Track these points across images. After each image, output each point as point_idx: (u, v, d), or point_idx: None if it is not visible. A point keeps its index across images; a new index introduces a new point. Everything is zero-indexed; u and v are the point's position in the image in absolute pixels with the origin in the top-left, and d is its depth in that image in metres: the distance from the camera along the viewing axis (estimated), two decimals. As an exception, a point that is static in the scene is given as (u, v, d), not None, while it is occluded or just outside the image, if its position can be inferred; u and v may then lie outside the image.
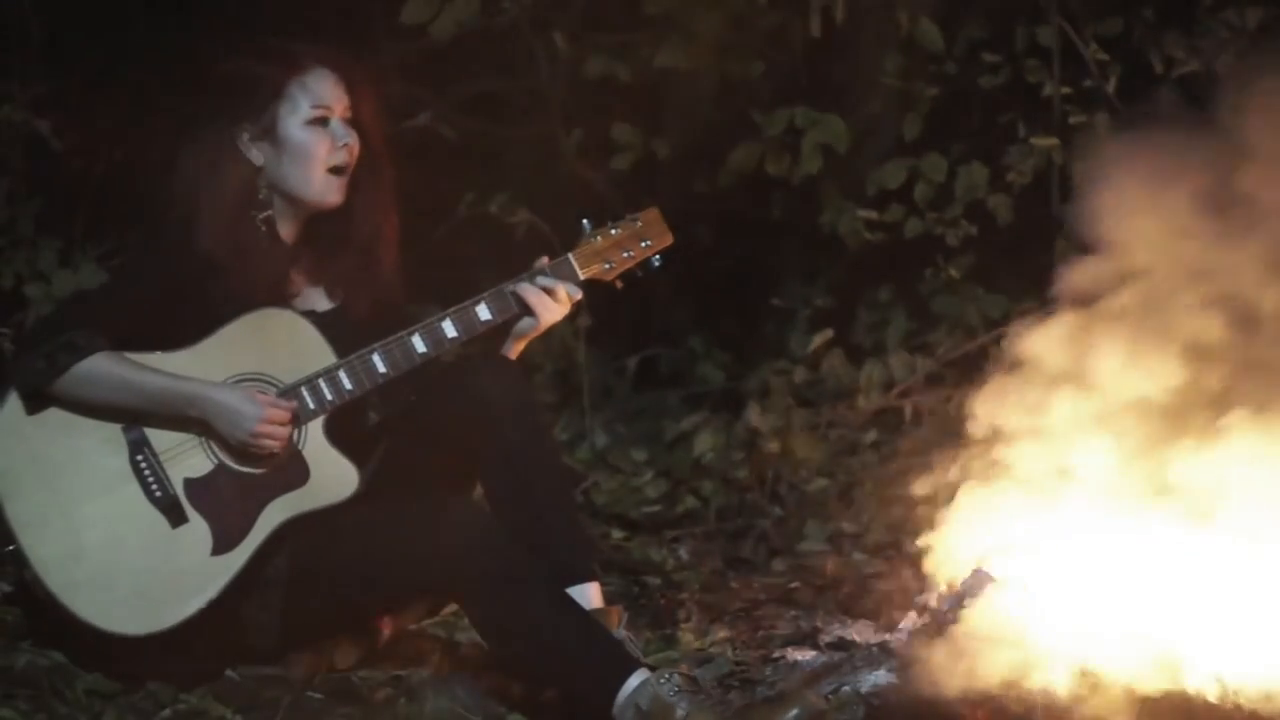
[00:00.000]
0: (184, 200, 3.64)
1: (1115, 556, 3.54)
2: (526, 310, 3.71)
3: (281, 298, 3.68)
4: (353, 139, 3.67)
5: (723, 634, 4.10)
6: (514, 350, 3.78)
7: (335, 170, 3.66)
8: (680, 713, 3.36)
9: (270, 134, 3.64)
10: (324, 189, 3.66)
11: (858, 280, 5.58)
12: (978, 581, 3.56)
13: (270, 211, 3.68)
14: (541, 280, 3.70)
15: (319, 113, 3.64)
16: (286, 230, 3.71)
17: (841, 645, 3.88)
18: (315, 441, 3.61)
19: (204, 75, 3.69)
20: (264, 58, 3.66)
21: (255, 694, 3.62)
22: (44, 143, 5.09)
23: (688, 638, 4.09)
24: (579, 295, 3.75)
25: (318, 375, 3.62)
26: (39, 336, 3.59)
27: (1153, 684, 3.34)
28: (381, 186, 3.75)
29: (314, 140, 3.64)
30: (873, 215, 5.41)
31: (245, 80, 3.65)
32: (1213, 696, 3.31)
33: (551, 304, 3.70)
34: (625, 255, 3.77)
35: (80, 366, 3.53)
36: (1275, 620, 3.39)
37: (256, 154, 3.66)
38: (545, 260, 3.74)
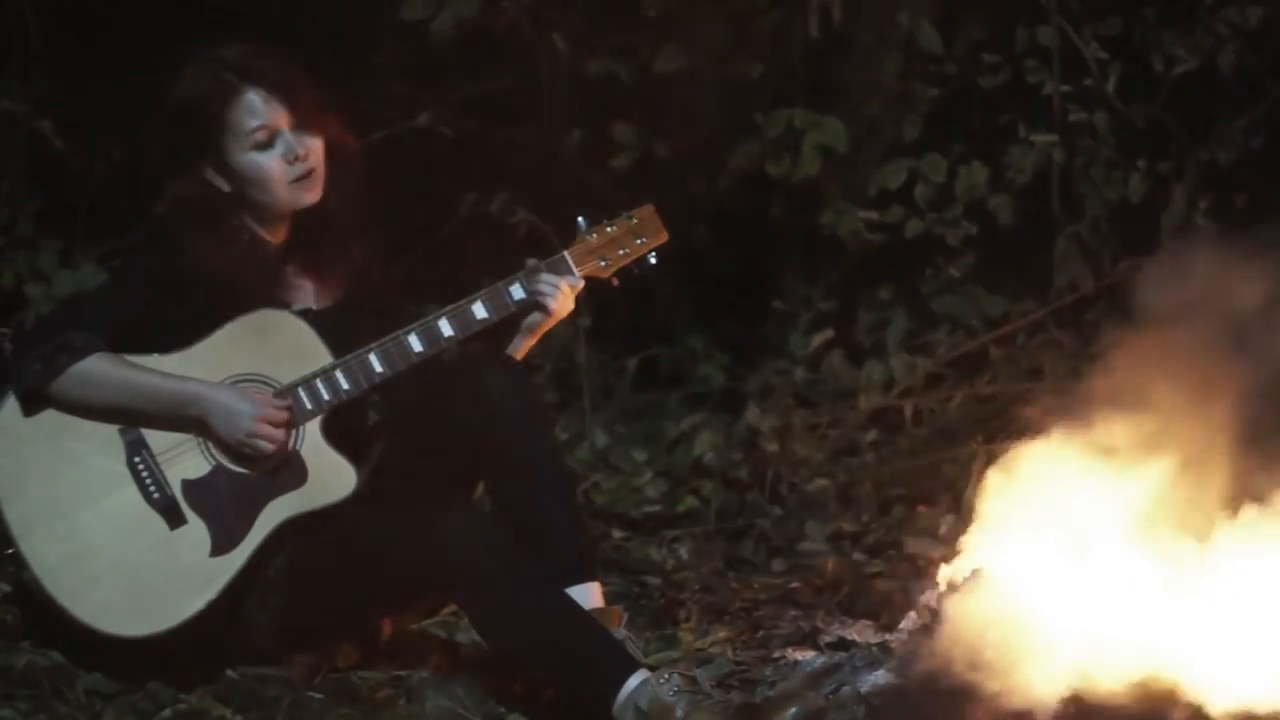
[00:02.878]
0: (169, 221, 3.64)
1: (1113, 563, 3.55)
2: (535, 303, 3.70)
3: (276, 299, 3.68)
4: (305, 145, 3.63)
5: (723, 634, 4.09)
6: (522, 348, 3.78)
7: (298, 179, 3.64)
8: (679, 713, 3.35)
9: (225, 165, 3.62)
10: (294, 197, 3.65)
11: (858, 280, 5.58)
12: (977, 581, 3.56)
13: (249, 235, 3.67)
14: (544, 278, 3.70)
15: (261, 135, 3.60)
16: (271, 235, 3.71)
17: (841, 645, 3.88)
18: (313, 442, 3.61)
19: (155, 105, 3.68)
20: (195, 90, 3.61)
21: (255, 694, 3.61)
22: (44, 143, 5.09)
23: (688, 638, 4.08)
24: (580, 284, 3.75)
25: (314, 375, 3.62)
26: (36, 338, 3.60)
27: (1146, 688, 3.34)
28: (350, 176, 3.72)
29: (265, 162, 3.61)
30: (873, 216, 5.40)
31: (185, 116, 3.62)
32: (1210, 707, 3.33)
33: (560, 297, 3.70)
34: (621, 252, 3.77)
35: (77, 367, 3.53)
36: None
37: (221, 182, 3.64)
38: (536, 261, 3.74)
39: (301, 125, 3.63)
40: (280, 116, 3.62)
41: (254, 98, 3.60)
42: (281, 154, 3.62)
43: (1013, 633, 3.44)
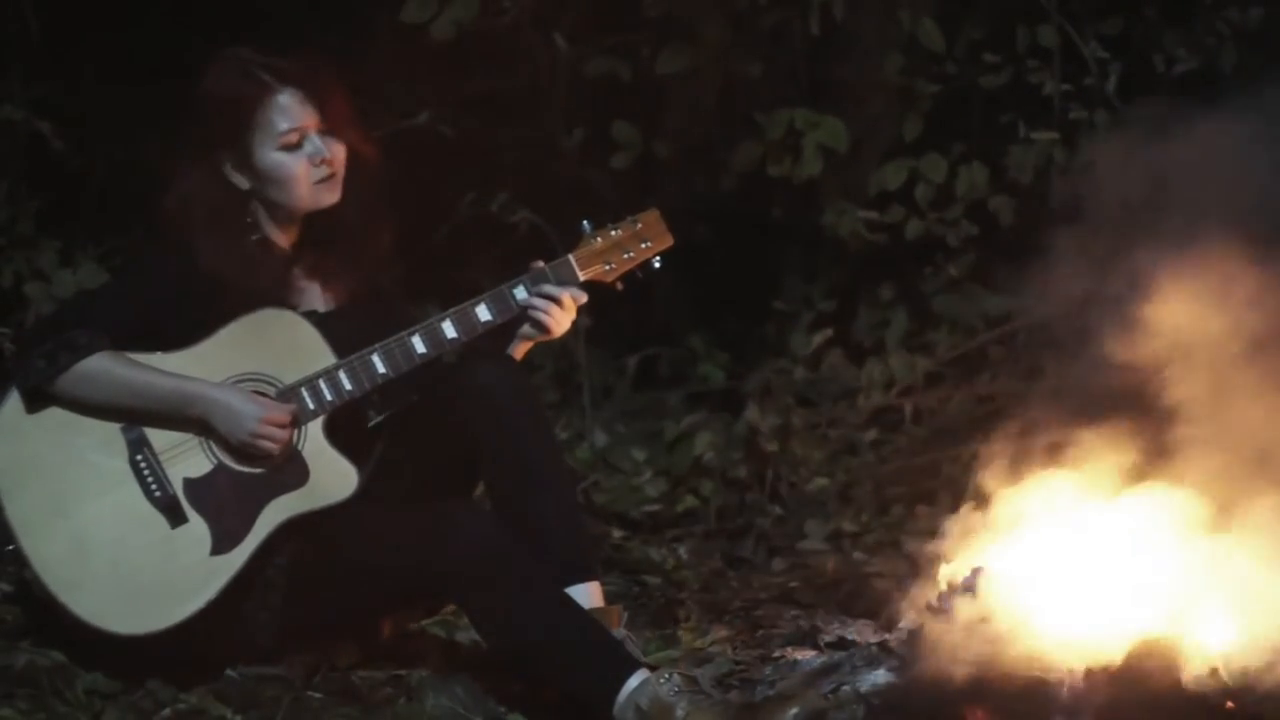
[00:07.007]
0: (179, 219, 3.64)
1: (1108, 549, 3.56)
2: (535, 324, 3.70)
3: (282, 299, 3.68)
4: (331, 149, 3.64)
5: (723, 634, 4.10)
6: (518, 353, 3.78)
7: (320, 182, 3.65)
8: (680, 713, 3.36)
9: (248, 163, 3.63)
10: (314, 198, 3.66)
11: (858, 280, 5.58)
12: (978, 579, 3.56)
13: (260, 234, 3.68)
14: (545, 289, 3.69)
15: (292, 137, 3.61)
16: (283, 237, 3.71)
17: (841, 645, 3.88)
18: (315, 442, 3.61)
19: (181, 99, 3.68)
20: (228, 87, 3.62)
21: (255, 694, 3.62)
22: (44, 143, 5.09)
23: (688, 638, 4.09)
24: (584, 298, 3.74)
25: (317, 376, 3.62)
26: (40, 335, 3.60)
27: (1151, 673, 3.35)
28: (367, 183, 3.72)
29: (291, 163, 3.62)
30: (874, 216, 5.41)
31: (214, 111, 3.62)
32: (1209, 685, 3.32)
33: (559, 314, 3.69)
34: (625, 256, 3.77)
35: (81, 365, 3.53)
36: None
37: (241, 179, 3.65)
38: (541, 264, 3.73)
39: (329, 129, 3.64)
40: (311, 119, 3.63)
41: (288, 99, 3.61)
42: (308, 155, 3.63)
43: (1013, 627, 3.45)
